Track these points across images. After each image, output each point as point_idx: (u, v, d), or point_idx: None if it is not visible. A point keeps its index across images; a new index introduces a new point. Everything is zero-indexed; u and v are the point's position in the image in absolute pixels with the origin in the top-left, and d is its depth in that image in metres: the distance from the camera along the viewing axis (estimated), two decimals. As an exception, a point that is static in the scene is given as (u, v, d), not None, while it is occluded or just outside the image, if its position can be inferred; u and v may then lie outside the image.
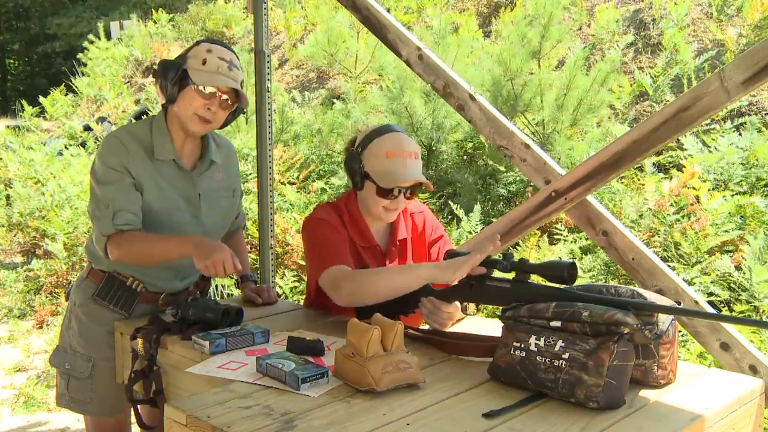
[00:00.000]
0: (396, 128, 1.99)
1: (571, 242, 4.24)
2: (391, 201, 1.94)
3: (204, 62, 1.94)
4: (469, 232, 4.54)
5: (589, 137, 5.11)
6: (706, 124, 4.85)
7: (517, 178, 5.17)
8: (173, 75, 1.94)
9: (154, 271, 2.06)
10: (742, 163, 4.38)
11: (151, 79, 2.32)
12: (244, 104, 2.03)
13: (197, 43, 2.01)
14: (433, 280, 1.74)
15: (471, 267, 1.65)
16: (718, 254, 3.74)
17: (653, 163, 4.71)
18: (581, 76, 5.07)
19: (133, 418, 2.06)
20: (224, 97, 1.98)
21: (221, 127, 2.08)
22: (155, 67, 1.99)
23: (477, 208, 4.70)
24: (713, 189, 4.17)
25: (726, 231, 3.80)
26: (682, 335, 3.02)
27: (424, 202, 4.91)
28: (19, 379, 4.20)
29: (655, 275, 2.41)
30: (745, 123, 4.85)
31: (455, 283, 1.71)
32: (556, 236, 4.37)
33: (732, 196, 4.07)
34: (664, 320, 1.45)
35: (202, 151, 2.10)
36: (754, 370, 2.22)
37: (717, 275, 3.63)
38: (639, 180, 4.56)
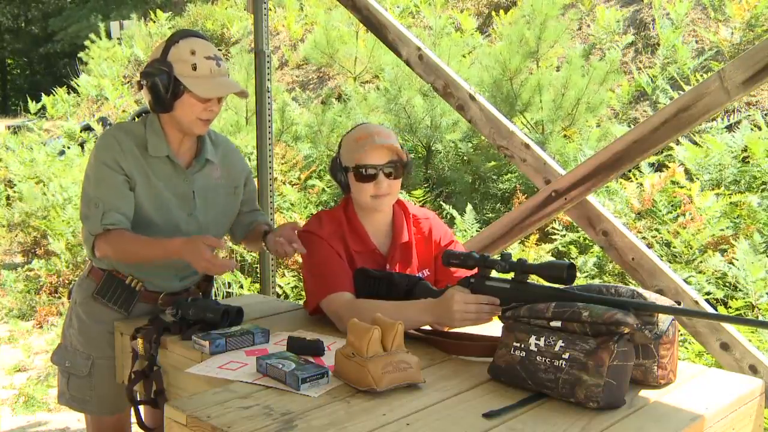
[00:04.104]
0: (367, 124, 2.00)
1: (561, 245, 4.24)
2: (374, 185, 1.91)
3: (194, 68, 1.90)
4: (465, 230, 4.54)
5: (589, 137, 5.10)
6: (705, 123, 4.85)
7: (513, 178, 5.16)
8: (165, 86, 1.89)
9: (152, 269, 2.05)
10: (737, 163, 4.38)
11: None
12: (245, 97, 2.04)
13: (173, 41, 1.93)
14: (435, 324, 1.76)
15: (476, 321, 1.67)
16: (710, 252, 3.74)
17: (649, 164, 4.70)
18: (578, 75, 5.07)
19: (133, 418, 2.06)
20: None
21: None
22: (141, 81, 1.93)
23: (469, 207, 4.71)
24: (707, 188, 4.16)
25: (721, 230, 3.80)
26: (681, 335, 3.01)
27: (422, 203, 4.94)
28: (19, 379, 4.20)
29: (655, 275, 2.41)
30: (740, 122, 4.85)
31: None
32: (553, 236, 4.37)
33: (728, 195, 4.07)
34: (664, 320, 1.45)
35: (198, 150, 2.09)
36: (754, 370, 2.22)
37: (712, 272, 3.63)
38: (637, 179, 4.56)
